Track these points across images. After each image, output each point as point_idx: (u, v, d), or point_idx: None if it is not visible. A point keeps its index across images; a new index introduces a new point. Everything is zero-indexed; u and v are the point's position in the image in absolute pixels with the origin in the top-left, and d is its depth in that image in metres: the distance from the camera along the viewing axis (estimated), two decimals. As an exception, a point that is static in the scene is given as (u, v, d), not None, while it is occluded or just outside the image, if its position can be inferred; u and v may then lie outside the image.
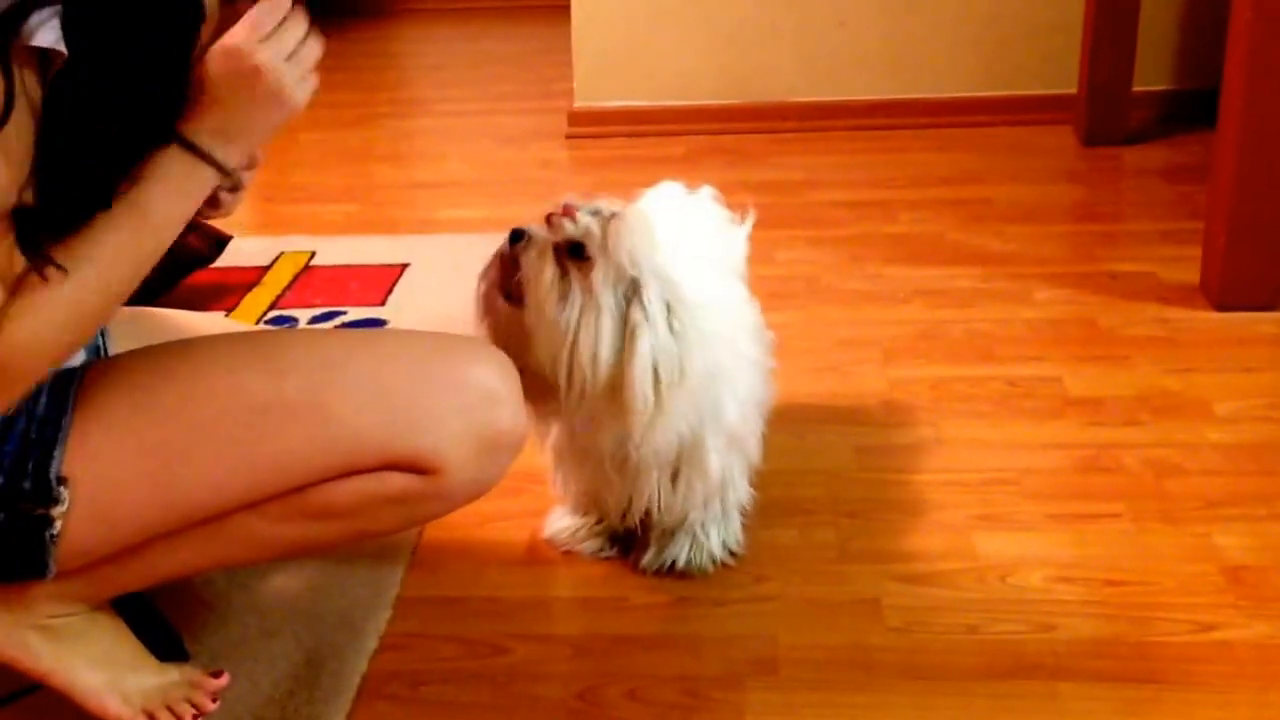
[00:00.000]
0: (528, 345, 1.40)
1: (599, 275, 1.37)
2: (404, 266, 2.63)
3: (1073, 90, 3.31)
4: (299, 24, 1.20)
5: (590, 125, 3.57)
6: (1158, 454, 1.85)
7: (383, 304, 2.46)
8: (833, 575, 1.61)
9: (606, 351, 1.38)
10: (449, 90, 4.35)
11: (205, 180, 1.21)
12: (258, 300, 2.50)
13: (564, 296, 1.37)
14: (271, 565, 1.64)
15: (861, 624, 1.51)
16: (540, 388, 1.42)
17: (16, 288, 1.14)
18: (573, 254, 1.39)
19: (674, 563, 1.60)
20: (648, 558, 1.61)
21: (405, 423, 1.27)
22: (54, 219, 1.14)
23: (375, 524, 1.35)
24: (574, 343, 1.37)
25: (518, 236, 1.40)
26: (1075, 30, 3.26)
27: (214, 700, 1.40)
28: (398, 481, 1.29)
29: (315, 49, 1.22)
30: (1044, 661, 1.44)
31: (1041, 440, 1.90)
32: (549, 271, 1.38)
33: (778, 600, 1.56)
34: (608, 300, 1.38)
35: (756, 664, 1.46)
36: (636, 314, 1.38)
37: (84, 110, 1.12)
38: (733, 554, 1.62)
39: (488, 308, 1.45)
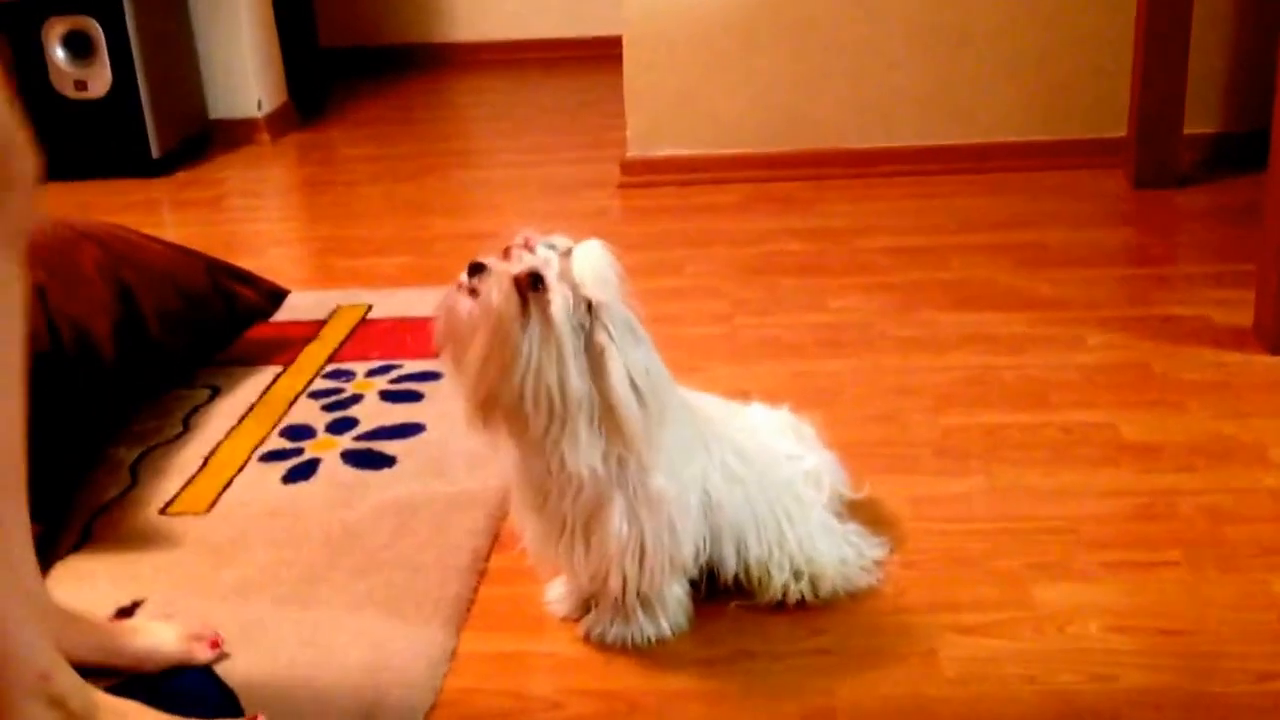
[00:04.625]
0: (471, 361, 1.42)
1: (558, 303, 1.40)
2: (459, 318, 2.65)
3: (1123, 133, 3.31)
4: None
5: (643, 174, 3.61)
6: (1214, 500, 1.84)
7: (438, 356, 2.48)
8: (889, 627, 1.61)
9: (575, 380, 1.42)
10: (504, 141, 4.40)
11: None
12: (315, 354, 2.54)
13: (525, 328, 1.40)
14: (331, 622, 1.66)
15: (919, 675, 1.52)
16: (504, 411, 1.44)
17: None
18: (532, 285, 1.41)
19: (603, 635, 1.61)
20: (585, 624, 1.63)
21: None
22: None
23: None
24: (538, 371, 1.40)
25: (476, 269, 1.42)
26: (1124, 74, 3.27)
27: None
28: None
29: None
30: (1102, 713, 1.44)
31: (1096, 488, 1.90)
32: (510, 301, 1.40)
33: (834, 653, 1.57)
34: (567, 329, 1.41)
35: (814, 717, 1.46)
36: (600, 336, 1.42)
37: None
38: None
39: (448, 320, 1.44)
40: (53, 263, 2.15)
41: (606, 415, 1.44)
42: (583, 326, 1.43)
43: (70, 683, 1.38)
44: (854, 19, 3.46)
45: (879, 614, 1.63)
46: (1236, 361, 2.27)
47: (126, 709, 1.44)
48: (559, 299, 1.41)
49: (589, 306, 1.42)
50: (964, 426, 2.10)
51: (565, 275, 1.42)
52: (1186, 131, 3.21)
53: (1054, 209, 3.17)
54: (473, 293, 1.42)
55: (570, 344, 1.41)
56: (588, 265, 1.42)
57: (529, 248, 1.44)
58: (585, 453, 1.45)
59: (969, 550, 1.76)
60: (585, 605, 1.65)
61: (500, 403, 1.43)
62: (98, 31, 3.97)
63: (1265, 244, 2.31)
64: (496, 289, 1.40)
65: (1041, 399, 2.18)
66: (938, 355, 2.38)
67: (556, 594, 1.68)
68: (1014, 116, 3.48)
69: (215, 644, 1.60)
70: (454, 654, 1.60)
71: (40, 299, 2.06)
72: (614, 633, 1.60)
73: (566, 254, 1.43)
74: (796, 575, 1.63)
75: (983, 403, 2.18)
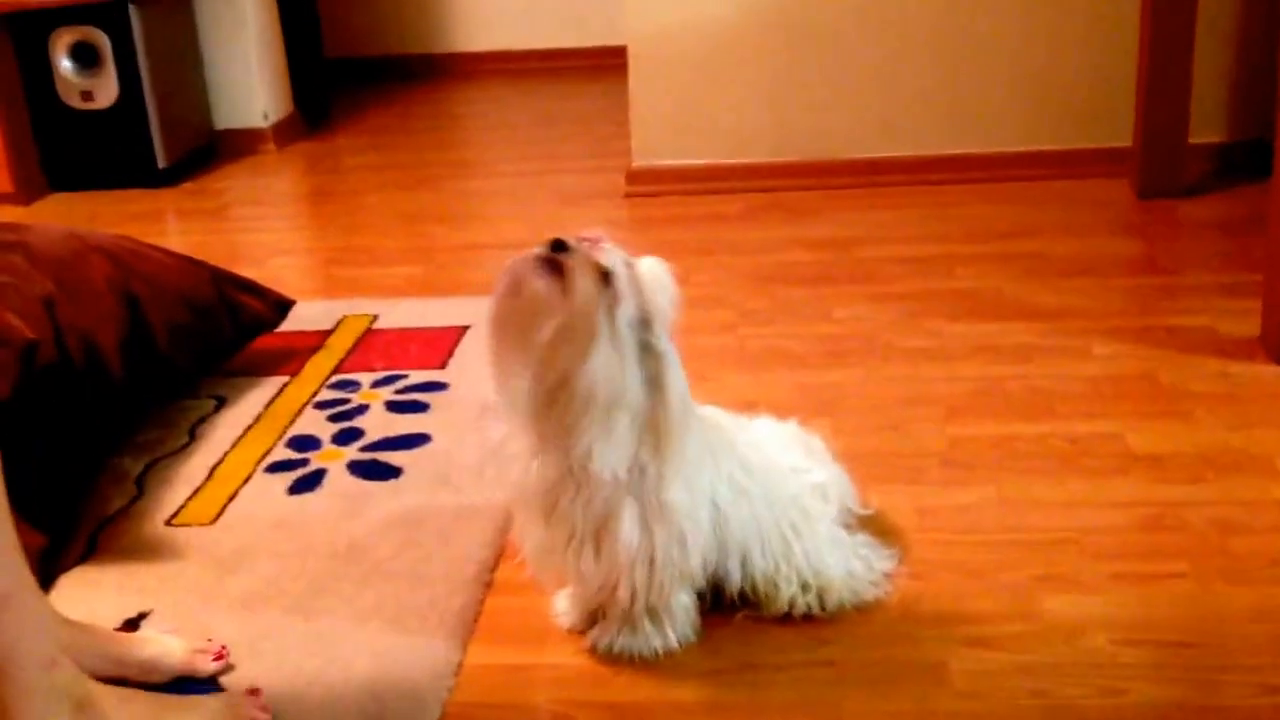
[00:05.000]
0: (534, 334, 1.42)
1: (624, 310, 1.43)
2: (465, 329, 2.66)
3: (1128, 143, 3.31)
4: None
5: (648, 184, 3.61)
6: (1222, 512, 1.83)
7: (443, 367, 2.49)
8: (896, 638, 1.61)
9: (633, 380, 1.44)
10: (507, 151, 4.41)
11: None
12: (320, 365, 2.54)
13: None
14: (337, 634, 1.66)
15: (927, 689, 1.51)
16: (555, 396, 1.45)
17: None
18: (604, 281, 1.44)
19: (610, 646, 1.61)
20: (592, 635, 1.63)
21: None
22: None
23: None
24: (606, 363, 1.42)
25: (561, 245, 1.43)
26: (1129, 84, 3.26)
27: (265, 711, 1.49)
28: None
29: None
30: (1110, 726, 1.44)
31: (1104, 499, 1.89)
32: (593, 283, 1.42)
33: (841, 665, 1.56)
34: (627, 335, 1.44)
35: (820, 729, 1.46)
36: (662, 346, 1.46)
37: None
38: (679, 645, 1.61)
39: (519, 285, 1.42)
40: (62, 275, 2.15)
41: (650, 422, 1.46)
42: (641, 337, 1.45)
43: (72, 672, 1.39)
44: (859, 30, 3.46)
45: (886, 626, 1.63)
46: (1243, 372, 2.26)
47: (118, 690, 1.47)
48: (629, 300, 1.43)
49: (644, 316, 1.45)
50: (971, 437, 2.09)
51: (632, 281, 1.44)
52: (1191, 141, 3.21)
53: (1059, 219, 3.17)
54: (551, 270, 1.42)
55: (630, 345, 1.43)
56: (655, 278, 1.45)
57: (598, 245, 1.45)
58: (615, 454, 1.45)
59: (976, 562, 1.75)
60: (592, 617, 1.64)
61: (565, 386, 1.43)
62: (104, 42, 3.98)
63: (1271, 254, 2.31)
64: (584, 274, 1.41)
65: (1048, 409, 2.17)
66: (944, 365, 2.38)
67: (563, 605, 1.68)
68: (1019, 126, 3.48)
69: (220, 656, 1.60)
70: (460, 666, 1.60)
71: (49, 311, 2.06)
72: (621, 644, 1.59)
73: (629, 265, 1.46)
74: (804, 588, 1.63)
75: (989, 413, 2.18)
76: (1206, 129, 3.34)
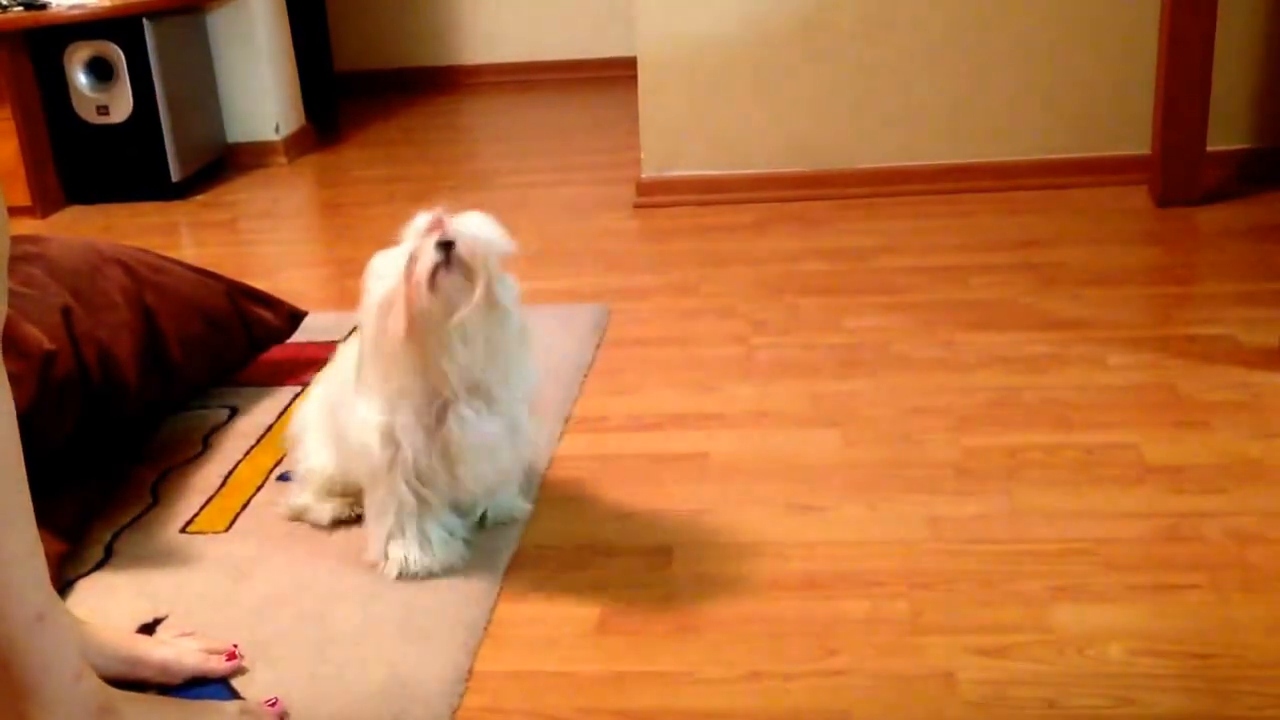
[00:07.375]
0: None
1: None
2: (476, 339, 2.64)
3: (1146, 151, 3.29)
4: None
5: (658, 194, 3.60)
6: (1240, 523, 1.81)
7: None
8: (906, 648, 1.59)
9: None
10: (517, 162, 4.40)
11: None
12: (333, 375, 2.53)
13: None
14: (349, 641, 1.65)
15: (937, 699, 1.49)
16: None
17: None
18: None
19: None
20: None
21: None
22: None
23: None
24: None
25: (449, 244, 1.69)
26: (1147, 91, 3.25)
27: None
28: None
29: None
30: (1125, 737, 1.42)
31: (1119, 509, 1.87)
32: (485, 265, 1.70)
33: (850, 674, 1.54)
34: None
35: (830, 740, 1.44)
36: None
37: None
38: None
39: (430, 285, 1.71)
40: (79, 286, 2.16)
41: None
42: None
43: (94, 680, 1.40)
44: (872, 38, 3.45)
45: (896, 635, 1.61)
46: (1263, 381, 2.24)
47: (136, 696, 1.47)
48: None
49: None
50: (984, 447, 2.08)
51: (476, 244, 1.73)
52: (1211, 148, 3.19)
53: (1076, 227, 3.15)
54: (451, 265, 1.73)
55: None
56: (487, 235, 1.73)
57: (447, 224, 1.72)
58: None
59: (989, 571, 1.73)
60: None
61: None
62: (119, 57, 4.00)
63: (1290, 262, 2.29)
64: (475, 259, 1.73)
65: (1063, 420, 2.16)
66: (958, 376, 2.36)
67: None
68: (1035, 134, 3.47)
69: (232, 656, 1.61)
70: (470, 673, 1.59)
71: (66, 321, 2.06)
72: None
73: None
74: None
75: (1004, 423, 2.16)
76: (1226, 136, 3.32)
